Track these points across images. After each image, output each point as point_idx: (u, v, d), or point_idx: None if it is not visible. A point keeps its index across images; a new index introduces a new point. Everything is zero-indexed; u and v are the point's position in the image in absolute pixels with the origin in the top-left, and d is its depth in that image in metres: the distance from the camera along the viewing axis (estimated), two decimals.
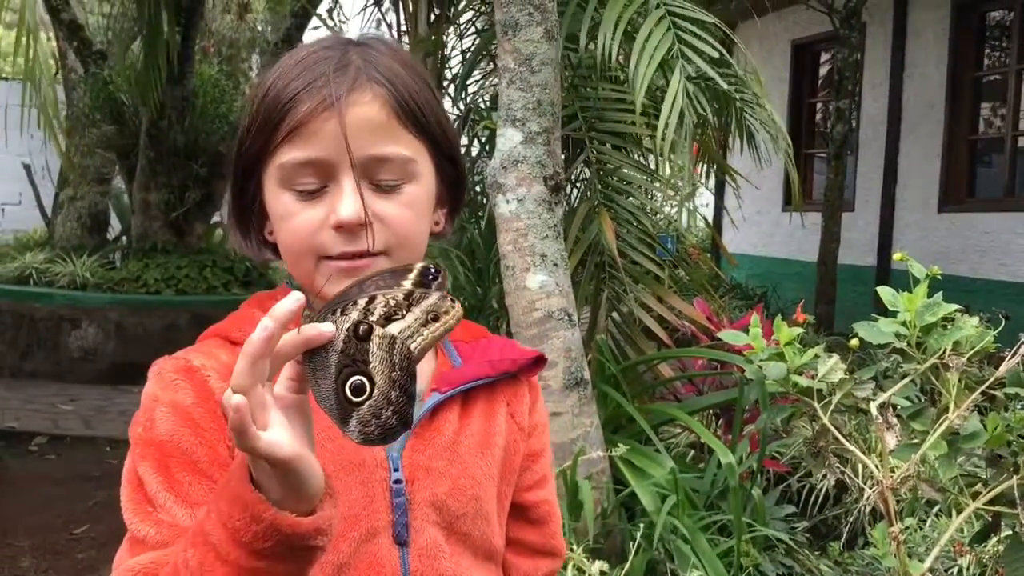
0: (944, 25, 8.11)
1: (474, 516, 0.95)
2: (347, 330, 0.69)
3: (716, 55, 2.99)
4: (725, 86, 3.04)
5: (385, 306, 0.70)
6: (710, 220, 9.58)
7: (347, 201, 0.86)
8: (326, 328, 0.70)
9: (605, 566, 2.39)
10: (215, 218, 8.62)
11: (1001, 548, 1.83)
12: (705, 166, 5.01)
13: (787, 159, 3.77)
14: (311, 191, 0.88)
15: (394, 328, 0.70)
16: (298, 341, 0.70)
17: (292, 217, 0.88)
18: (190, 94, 7.73)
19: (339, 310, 0.71)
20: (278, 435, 0.70)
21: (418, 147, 0.91)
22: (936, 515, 2.88)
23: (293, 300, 0.69)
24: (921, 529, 2.82)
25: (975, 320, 1.72)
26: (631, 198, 3.73)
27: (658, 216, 4.21)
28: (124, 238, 8.75)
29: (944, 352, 1.71)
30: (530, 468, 1.05)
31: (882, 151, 8.65)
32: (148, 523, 0.85)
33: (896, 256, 2.04)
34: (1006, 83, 7.79)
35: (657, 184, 4.03)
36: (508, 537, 1.04)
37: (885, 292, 1.84)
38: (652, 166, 3.90)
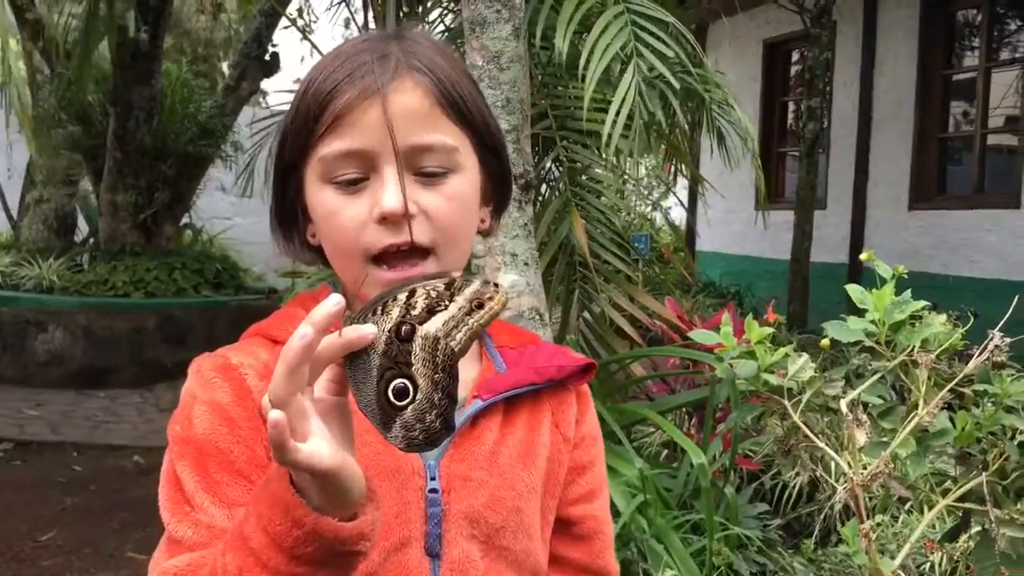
0: (913, 24, 8.16)
1: (515, 530, 0.92)
2: (389, 331, 0.68)
3: (672, 54, 2.96)
4: (677, 85, 3.01)
5: (427, 298, 0.68)
6: (684, 218, 9.60)
7: (390, 191, 0.83)
8: (367, 331, 0.68)
9: None
10: (184, 219, 8.53)
11: (971, 544, 1.82)
12: (675, 165, 5.01)
13: (755, 163, 3.76)
14: (353, 181, 0.85)
15: (439, 320, 0.68)
16: (338, 345, 0.69)
17: (336, 214, 0.86)
18: (158, 94, 7.64)
19: (380, 308, 0.69)
20: (318, 446, 0.68)
21: (461, 137, 0.88)
22: (908, 512, 2.89)
23: (332, 303, 0.67)
24: (893, 526, 2.82)
25: (943, 318, 1.71)
26: (602, 197, 3.71)
27: (630, 215, 4.20)
28: (92, 240, 8.64)
29: (913, 350, 1.71)
30: (576, 481, 1.01)
31: (853, 149, 8.71)
32: (185, 523, 0.84)
33: (863, 256, 2.03)
34: (975, 81, 7.85)
35: (630, 184, 4.01)
36: (552, 554, 1.00)
37: (854, 290, 1.83)
38: (625, 166, 3.88)
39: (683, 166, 4.24)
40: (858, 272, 8.29)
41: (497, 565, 0.91)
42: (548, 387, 0.98)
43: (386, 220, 0.83)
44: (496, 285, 0.69)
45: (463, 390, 0.89)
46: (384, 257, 0.85)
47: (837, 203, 8.92)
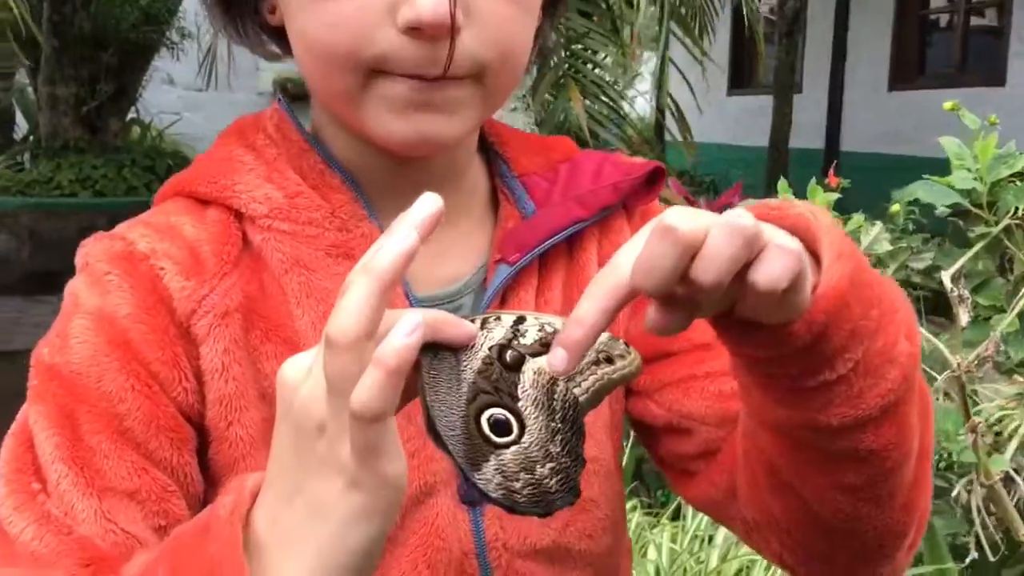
0: None
1: None
2: (490, 349, 0.49)
3: None
4: None
5: (540, 331, 0.50)
6: (652, 107, 9.30)
7: None
8: (468, 326, 0.48)
9: None
10: (131, 114, 8.07)
11: None
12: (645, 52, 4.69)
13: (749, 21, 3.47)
14: None
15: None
16: (431, 320, 0.45)
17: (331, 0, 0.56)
18: None
19: (479, 321, 0.50)
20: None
21: None
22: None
23: (433, 203, 0.42)
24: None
25: None
26: (598, 69, 3.42)
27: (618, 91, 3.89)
28: (32, 137, 8.16)
29: (1018, 211, 1.47)
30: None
31: (831, 28, 8.40)
32: (25, 513, 0.54)
33: (946, 105, 1.80)
34: None
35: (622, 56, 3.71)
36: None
37: (950, 143, 1.60)
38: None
39: (689, 40, 3.92)
40: (835, 157, 8.09)
41: None
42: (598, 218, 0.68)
43: (418, 31, 0.54)
44: (628, 345, 0.51)
45: (477, 255, 0.64)
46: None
47: (813, 87, 8.68)
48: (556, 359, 0.44)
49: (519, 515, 0.46)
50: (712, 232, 0.41)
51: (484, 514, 0.62)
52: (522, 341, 0.50)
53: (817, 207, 0.50)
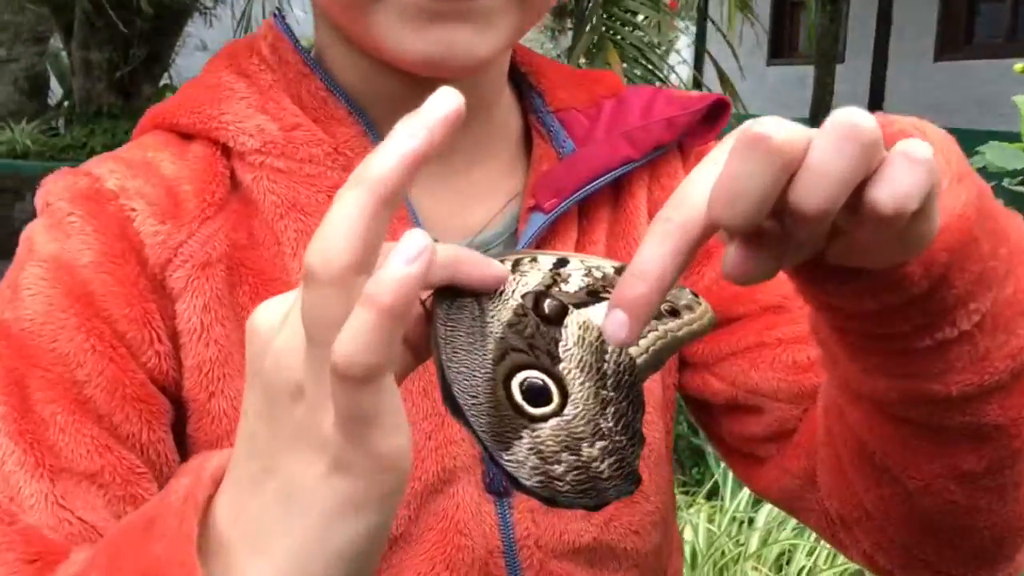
0: None
1: None
2: (524, 297, 0.40)
3: None
4: None
5: (587, 275, 0.42)
6: (690, 75, 9.15)
7: None
8: (498, 268, 0.39)
9: None
10: (163, 80, 8.06)
11: None
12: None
13: None
14: None
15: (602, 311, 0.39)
16: (450, 257, 0.37)
17: None
18: None
19: (509, 262, 0.41)
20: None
21: None
22: None
23: (453, 99, 0.32)
24: None
25: None
26: (637, 31, 3.32)
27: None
28: (66, 103, 8.21)
29: None
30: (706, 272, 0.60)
31: None
32: None
33: (1017, 68, 1.70)
34: None
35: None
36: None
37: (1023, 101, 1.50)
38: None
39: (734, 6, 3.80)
40: None
41: None
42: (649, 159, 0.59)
43: None
44: (697, 295, 0.43)
45: (508, 201, 0.56)
46: None
47: (856, 56, 8.48)
48: (615, 325, 0.33)
49: (561, 508, 0.37)
50: (817, 142, 0.31)
51: (514, 506, 0.53)
52: (564, 288, 0.41)
53: (924, 121, 0.40)
